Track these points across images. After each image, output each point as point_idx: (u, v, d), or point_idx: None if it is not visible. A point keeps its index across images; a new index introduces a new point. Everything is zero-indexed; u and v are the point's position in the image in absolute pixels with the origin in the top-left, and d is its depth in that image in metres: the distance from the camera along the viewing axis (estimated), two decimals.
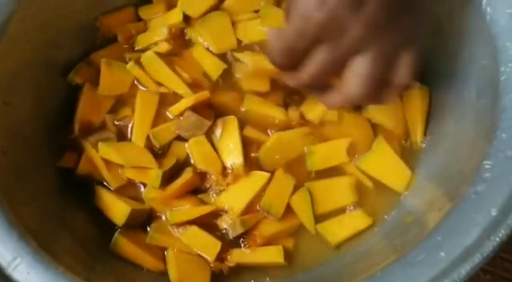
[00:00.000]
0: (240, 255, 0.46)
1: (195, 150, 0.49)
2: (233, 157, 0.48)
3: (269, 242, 0.47)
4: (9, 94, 0.45)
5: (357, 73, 0.38)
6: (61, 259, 0.37)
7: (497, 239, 0.33)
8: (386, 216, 0.48)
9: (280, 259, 0.46)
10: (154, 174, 0.47)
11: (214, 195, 0.48)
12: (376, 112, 0.50)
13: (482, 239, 0.34)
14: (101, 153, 0.48)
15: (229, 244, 0.47)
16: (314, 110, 0.50)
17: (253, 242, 0.47)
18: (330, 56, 0.38)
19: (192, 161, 0.49)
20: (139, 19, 0.57)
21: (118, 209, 0.46)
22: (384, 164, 0.49)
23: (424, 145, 0.50)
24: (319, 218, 0.48)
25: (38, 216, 0.41)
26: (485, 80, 0.44)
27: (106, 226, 0.47)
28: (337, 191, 0.48)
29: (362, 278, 0.37)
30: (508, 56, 0.42)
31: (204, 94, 0.50)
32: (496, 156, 0.38)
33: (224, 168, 0.49)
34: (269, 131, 0.51)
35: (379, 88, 0.40)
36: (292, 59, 0.40)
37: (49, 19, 0.51)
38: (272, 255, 0.46)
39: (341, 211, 0.48)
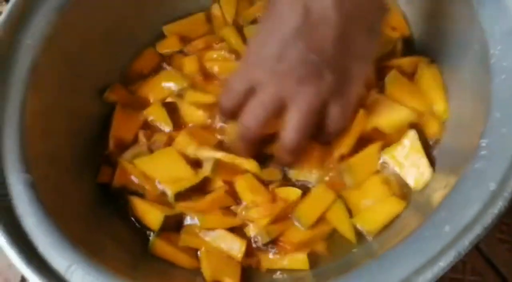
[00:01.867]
0: (269, 262, 0.48)
1: (244, 186, 0.50)
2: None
3: (299, 248, 0.48)
4: (46, 124, 0.50)
5: (289, 122, 0.43)
6: (109, 263, 0.41)
7: (496, 211, 0.36)
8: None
9: (305, 267, 0.47)
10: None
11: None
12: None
13: (483, 212, 0.37)
14: (138, 167, 0.52)
15: (259, 249, 0.49)
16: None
17: (282, 248, 0.48)
18: (261, 102, 0.44)
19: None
20: None
21: (152, 216, 0.50)
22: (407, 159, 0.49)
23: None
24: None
25: (84, 229, 0.46)
26: (478, 63, 0.46)
27: (143, 231, 0.51)
28: (373, 191, 0.49)
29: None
30: (496, 40, 0.44)
31: None
32: (491, 134, 0.41)
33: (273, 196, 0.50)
34: None
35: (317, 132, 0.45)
36: (234, 105, 0.46)
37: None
38: (297, 263, 0.47)
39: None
